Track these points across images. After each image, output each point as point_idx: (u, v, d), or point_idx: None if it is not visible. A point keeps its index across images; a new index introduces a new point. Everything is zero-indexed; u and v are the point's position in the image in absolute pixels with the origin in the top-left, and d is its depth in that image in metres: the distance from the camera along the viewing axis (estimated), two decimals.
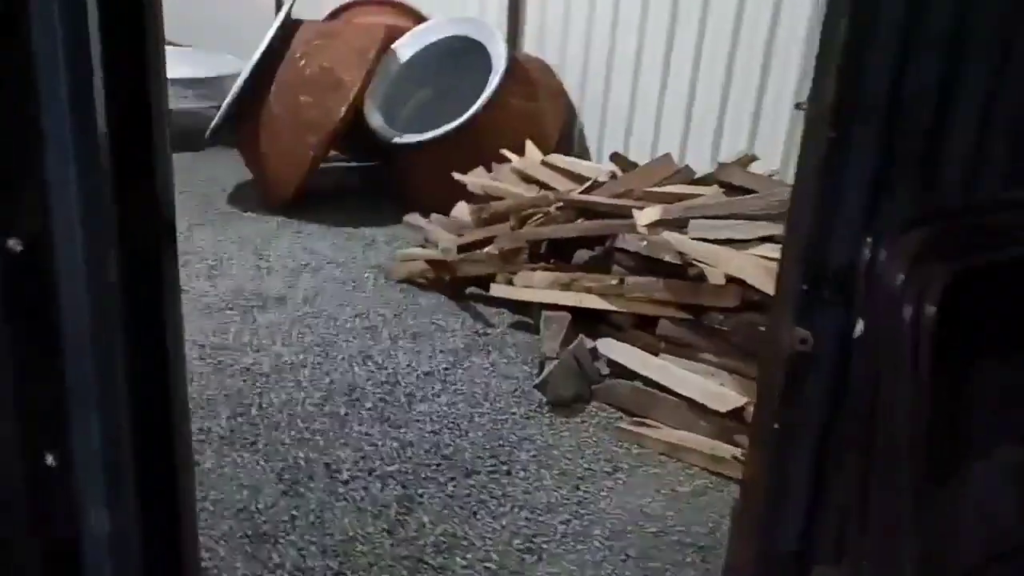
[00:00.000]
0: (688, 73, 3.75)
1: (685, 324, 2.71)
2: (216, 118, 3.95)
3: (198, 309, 2.99)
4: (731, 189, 3.00)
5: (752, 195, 2.86)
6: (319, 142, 3.79)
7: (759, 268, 2.55)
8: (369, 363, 2.71)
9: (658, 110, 3.90)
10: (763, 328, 2.48)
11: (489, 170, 3.71)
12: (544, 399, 2.57)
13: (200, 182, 4.45)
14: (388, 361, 2.73)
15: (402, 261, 3.44)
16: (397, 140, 3.95)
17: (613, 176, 3.42)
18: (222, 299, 3.09)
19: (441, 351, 2.84)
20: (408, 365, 2.72)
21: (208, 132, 3.98)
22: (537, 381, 2.60)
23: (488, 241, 3.27)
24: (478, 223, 3.39)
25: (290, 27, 3.95)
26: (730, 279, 2.58)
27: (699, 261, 2.63)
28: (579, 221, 3.16)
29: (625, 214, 2.98)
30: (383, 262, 3.53)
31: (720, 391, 2.50)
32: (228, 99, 3.87)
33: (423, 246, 3.56)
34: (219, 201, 4.19)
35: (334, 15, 4.71)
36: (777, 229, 2.68)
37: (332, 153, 4.40)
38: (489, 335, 2.99)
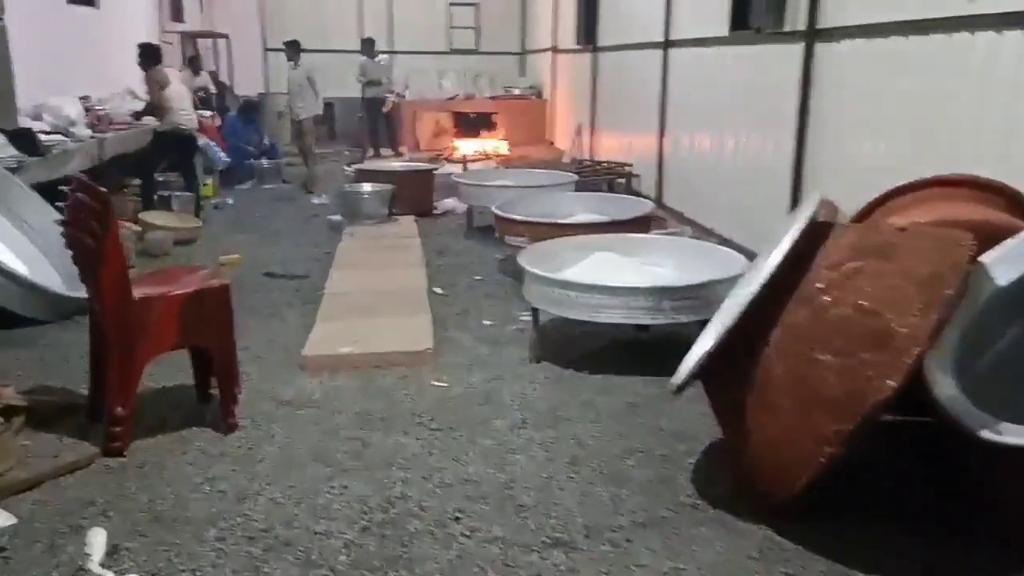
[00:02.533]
0: None
1: None
2: (691, 365, 2.69)
3: None
4: None
5: None
6: (841, 434, 2.23)
7: None
8: None
9: None
10: None
11: None
12: None
13: (661, 437, 3.22)
14: None
15: None
16: (987, 436, 2.20)
17: None
18: None
19: None
20: None
21: (677, 383, 2.73)
22: None
23: None
24: None
25: (816, 234, 2.55)
26: None
27: None
28: None
29: None
30: None
31: None
32: (710, 340, 2.59)
33: None
34: (681, 478, 2.89)
35: (877, 205, 3.17)
36: None
37: None
38: None
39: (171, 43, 13.21)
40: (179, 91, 7.76)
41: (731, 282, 3.79)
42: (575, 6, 11.81)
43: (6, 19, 6.96)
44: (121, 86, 9.18)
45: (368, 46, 12.61)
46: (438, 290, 5.43)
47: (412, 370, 4.00)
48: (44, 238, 5.11)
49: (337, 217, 7.92)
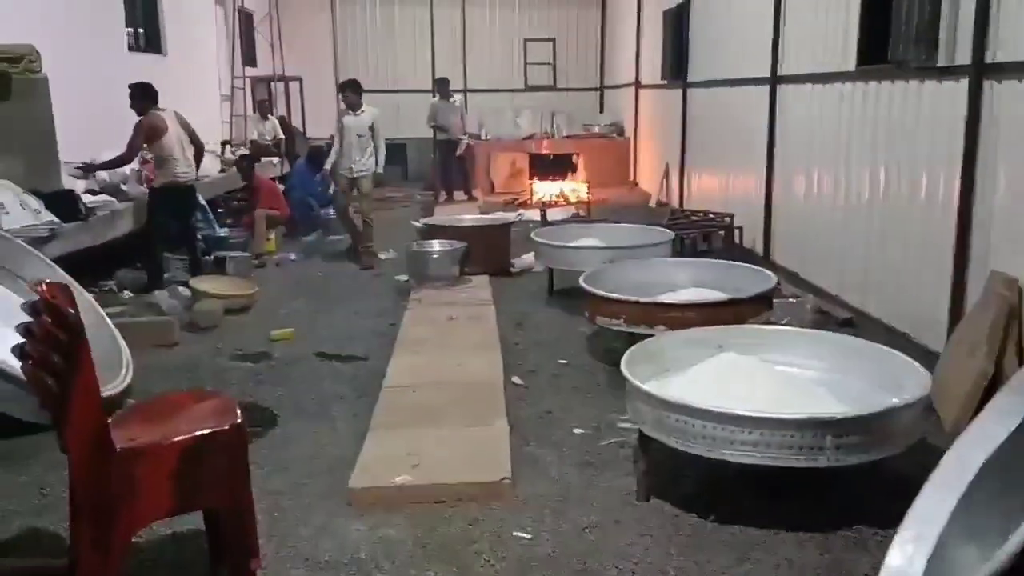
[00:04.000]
0: None
1: None
2: None
3: None
4: None
5: None
6: None
7: None
8: None
9: None
10: None
11: None
12: None
13: None
14: None
15: None
16: None
17: None
18: None
19: None
20: None
21: None
22: None
23: None
24: None
25: None
26: None
27: None
28: None
29: None
30: None
31: None
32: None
33: None
34: None
35: None
36: None
37: None
38: None
39: (242, 88, 12.94)
40: (178, 136, 6.77)
41: (915, 408, 2.81)
42: (661, 39, 10.93)
43: (56, 70, 6.43)
44: None
45: (442, 86, 12.00)
46: (516, 380, 4.57)
47: (485, 508, 3.13)
48: None
49: (404, 278, 7.18)
